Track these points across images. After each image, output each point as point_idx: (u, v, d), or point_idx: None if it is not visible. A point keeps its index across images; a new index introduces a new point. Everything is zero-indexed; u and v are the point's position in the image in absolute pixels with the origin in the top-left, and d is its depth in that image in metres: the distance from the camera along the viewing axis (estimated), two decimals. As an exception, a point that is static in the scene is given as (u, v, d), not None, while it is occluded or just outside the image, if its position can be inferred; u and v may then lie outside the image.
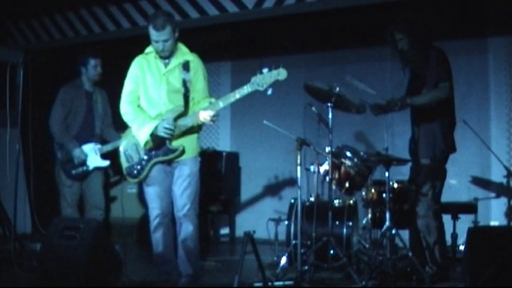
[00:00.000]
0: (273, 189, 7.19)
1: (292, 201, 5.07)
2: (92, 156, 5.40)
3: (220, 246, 6.94)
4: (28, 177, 6.59)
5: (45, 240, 4.23)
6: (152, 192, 4.12)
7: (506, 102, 6.15)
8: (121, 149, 4.25)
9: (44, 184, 7.21)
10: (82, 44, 6.98)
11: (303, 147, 4.46)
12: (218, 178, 6.81)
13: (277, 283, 4.22)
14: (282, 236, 5.15)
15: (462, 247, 4.95)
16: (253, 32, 7.24)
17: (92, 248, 3.96)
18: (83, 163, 5.37)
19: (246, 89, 3.87)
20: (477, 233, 3.82)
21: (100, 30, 6.67)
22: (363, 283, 4.13)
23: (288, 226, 4.99)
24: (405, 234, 4.60)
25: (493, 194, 6.14)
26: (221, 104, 3.94)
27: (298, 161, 4.42)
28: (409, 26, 4.53)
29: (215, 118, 3.95)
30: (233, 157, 7.27)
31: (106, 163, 5.46)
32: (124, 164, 4.20)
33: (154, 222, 4.12)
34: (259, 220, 5.72)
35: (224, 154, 7.02)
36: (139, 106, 4.14)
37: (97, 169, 5.44)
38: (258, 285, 4.13)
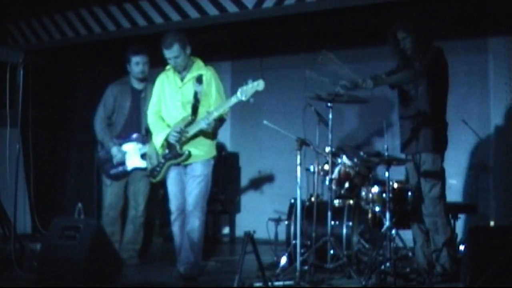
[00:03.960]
0: (273, 189, 7.18)
1: (292, 201, 5.07)
2: (132, 156, 5.19)
3: (220, 246, 6.94)
4: (28, 177, 6.58)
5: (45, 240, 4.24)
6: (169, 191, 4.67)
7: (506, 102, 6.14)
8: (147, 153, 4.80)
9: (44, 184, 7.22)
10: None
11: (303, 147, 4.47)
12: (218, 178, 6.80)
13: (277, 283, 4.22)
14: (282, 236, 5.15)
15: (462, 247, 4.93)
16: (253, 32, 7.23)
17: (92, 248, 3.97)
18: (122, 163, 5.21)
19: (233, 100, 4.35)
20: (477, 233, 3.81)
21: (100, 30, 6.66)
22: (363, 283, 4.13)
23: (288, 226, 4.99)
24: (405, 234, 4.59)
25: (493, 194, 6.14)
26: (215, 113, 4.40)
27: (298, 161, 4.42)
28: (413, 25, 4.54)
29: (210, 126, 4.40)
30: (233, 157, 7.26)
31: (145, 164, 5.05)
32: (148, 166, 4.78)
33: (171, 217, 4.66)
34: (259, 220, 5.71)
35: (223, 154, 7.01)
36: (160, 116, 4.68)
37: (137, 169, 5.22)
38: (258, 285, 4.13)
